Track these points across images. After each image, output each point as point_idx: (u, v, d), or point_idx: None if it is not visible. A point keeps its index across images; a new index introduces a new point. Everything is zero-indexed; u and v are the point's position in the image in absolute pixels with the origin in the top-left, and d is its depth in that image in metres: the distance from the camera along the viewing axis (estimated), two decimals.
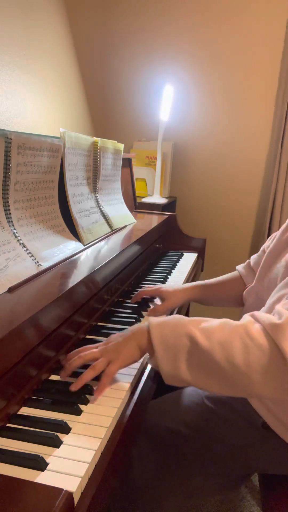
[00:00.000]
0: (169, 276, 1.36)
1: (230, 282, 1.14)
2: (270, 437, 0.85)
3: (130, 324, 0.95)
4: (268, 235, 2.09)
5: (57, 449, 0.56)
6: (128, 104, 2.29)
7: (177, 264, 1.52)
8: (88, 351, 0.71)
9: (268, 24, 2.00)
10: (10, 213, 0.85)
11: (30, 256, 0.85)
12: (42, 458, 0.53)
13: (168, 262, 1.52)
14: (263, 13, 2.00)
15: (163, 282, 1.29)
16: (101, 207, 1.29)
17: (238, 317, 0.99)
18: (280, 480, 0.91)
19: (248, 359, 0.63)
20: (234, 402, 0.91)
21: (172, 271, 1.43)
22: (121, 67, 2.25)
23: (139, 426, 0.84)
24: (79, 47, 1.90)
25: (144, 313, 1.03)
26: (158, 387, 0.81)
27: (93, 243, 1.13)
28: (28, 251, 0.85)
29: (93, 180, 1.27)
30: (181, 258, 1.62)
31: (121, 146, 1.44)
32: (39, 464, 0.52)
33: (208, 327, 0.68)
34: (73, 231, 1.08)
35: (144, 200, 2.03)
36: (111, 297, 1.05)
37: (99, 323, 0.95)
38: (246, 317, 0.71)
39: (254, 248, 2.28)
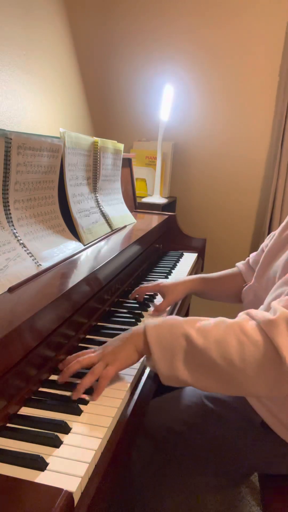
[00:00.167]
0: (169, 276, 1.36)
1: (230, 278, 1.16)
2: (269, 436, 0.85)
3: (130, 324, 0.95)
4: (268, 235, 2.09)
5: (57, 449, 0.56)
6: (128, 104, 2.29)
7: (177, 264, 1.52)
8: (86, 356, 0.71)
9: (268, 24, 2.00)
10: (10, 213, 0.85)
11: (30, 256, 0.85)
12: (42, 458, 0.53)
13: (168, 262, 1.52)
14: (263, 13, 2.00)
15: None
16: (101, 207, 1.29)
17: (237, 314, 0.99)
18: (280, 480, 0.91)
19: (243, 355, 0.63)
20: (233, 401, 0.91)
21: (172, 271, 1.43)
22: (121, 67, 2.25)
23: (139, 426, 0.84)
24: (79, 47, 1.90)
25: (144, 313, 1.03)
26: (158, 387, 0.81)
27: (93, 243, 1.13)
28: (28, 251, 0.85)
29: (93, 180, 1.27)
30: (181, 258, 1.62)
31: (121, 146, 1.44)
32: (39, 464, 0.52)
33: (204, 326, 0.69)
34: (73, 231, 1.08)
35: (144, 200, 2.03)
36: (111, 297, 1.05)
37: (99, 323, 0.95)
38: (241, 315, 0.71)
39: (254, 248, 2.28)
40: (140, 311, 1.03)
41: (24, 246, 0.85)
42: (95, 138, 1.25)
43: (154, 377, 0.78)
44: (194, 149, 2.26)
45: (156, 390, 0.83)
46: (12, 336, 0.58)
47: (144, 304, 1.08)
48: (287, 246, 0.89)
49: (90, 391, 0.68)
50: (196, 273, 1.56)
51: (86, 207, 1.19)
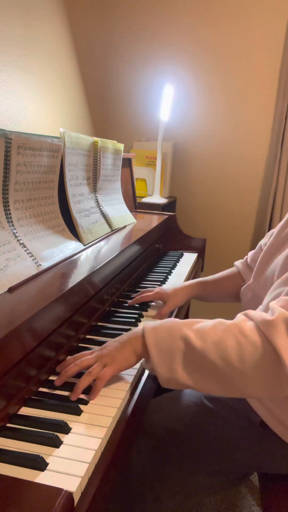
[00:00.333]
0: (169, 276, 1.36)
1: (229, 278, 1.16)
2: (268, 436, 0.85)
3: (130, 324, 0.95)
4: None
5: (57, 449, 0.56)
6: (128, 104, 2.29)
7: (177, 264, 1.52)
8: (83, 358, 0.71)
9: (268, 24, 2.00)
10: (10, 213, 0.85)
11: (30, 256, 0.85)
12: (42, 458, 0.53)
13: (168, 262, 1.52)
14: (263, 13, 2.00)
15: (163, 282, 1.29)
16: (101, 207, 1.29)
17: (236, 314, 0.99)
18: (279, 479, 0.91)
19: (242, 356, 0.63)
20: (232, 401, 0.91)
21: (172, 271, 1.43)
22: (121, 67, 2.25)
23: (139, 425, 0.84)
24: (79, 47, 1.90)
25: (144, 313, 1.03)
26: (158, 387, 0.81)
27: (93, 243, 1.13)
28: (28, 251, 0.85)
29: (93, 180, 1.27)
30: (181, 258, 1.62)
31: (121, 146, 1.44)
32: (39, 464, 0.52)
33: (202, 328, 0.69)
34: (73, 231, 1.08)
35: (144, 200, 2.03)
36: (111, 297, 1.05)
37: (99, 323, 0.95)
38: (239, 316, 0.71)
39: (255, 248, 2.28)
40: (140, 311, 1.03)
41: (24, 246, 0.85)
42: (95, 138, 1.25)
43: (154, 377, 0.78)
44: (194, 149, 2.26)
45: (156, 390, 0.83)
46: (12, 336, 0.58)
47: (144, 304, 1.07)
48: (286, 245, 0.88)
49: (87, 390, 0.68)
50: (196, 273, 1.56)
51: (86, 207, 1.19)
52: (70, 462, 0.53)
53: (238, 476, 1.11)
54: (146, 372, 0.78)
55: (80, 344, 0.85)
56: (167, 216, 1.74)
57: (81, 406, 0.65)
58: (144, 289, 1.12)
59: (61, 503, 0.45)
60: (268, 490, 0.90)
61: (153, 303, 1.10)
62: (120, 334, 0.88)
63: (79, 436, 0.59)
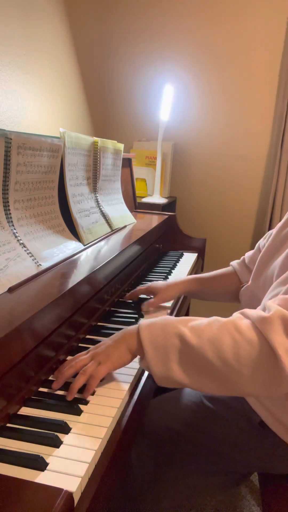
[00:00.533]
0: (169, 276, 1.36)
1: (224, 277, 1.15)
2: (267, 435, 0.85)
3: (130, 324, 0.95)
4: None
5: (57, 449, 0.56)
6: (128, 104, 2.29)
7: (177, 264, 1.52)
8: (79, 359, 0.71)
9: (268, 24, 2.00)
10: (10, 213, 0.85)
11: (30, 256, 0.85)
12: (42, 458, 0.53)
13: (168, 262, 1.52)
14: (263, 13, 2.00)
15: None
16: (101, 207, 1.29)
17: (234, 308, 0.98)
18: (279, 479, 0.91)
19: (238, 354, 0.63)
20: (232, 401, 0.91)
21: (172, 271, 1.43)
22: (121, 67, 2.25)
23: (139, 425, 0.84)
24: (79, 47, 1.90)
25: (144, 313, 1.03)
26: (157, 387, 0.81)
27: (93, 243, 1.13)
28: (28, 251, 0.85)
29: (93, 180, 1.27)
30: (181, 258, 1.62)
31: (121, 146, 1.44)
32: (39, 464, 0.52)
33: (198, 325, 0.68)
34: (73, 231, 1.08)
35: (144, 200, 2.03)
36: (111, 297, 1.05)
37: (99, 323, 0.95)
38: (236, 314, 0.71)
39: (254, 248, 2.28)
40: (140, 311, 1.03)
41: (24, 246, 0.85)
42: (95, 138, 1.25)
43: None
44: (194, 149, 2.26)
45: (156, 390, 0.83)
46: (12, 336, 0.58)
47: (143, 301, 1.07)
48: (284, 245, 0.88)
49: (83, 389, 0.68)
50: (196, 273, 1.56)
51: (86, 207, 1.19)
52: (70, 462, 0.53)
53: (238, 476, 1.11)
54: (146, 372, 0.78)
55: (80, 344, 0.85)
56: (167, 216, 1.74)
57: (81, 406, 0.65)
58: (140, 285, 1.13)
59: (61, 503, 0.45)
60: (268, 490, 0.90)
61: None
62: None
63: (79, 436, 0.59)
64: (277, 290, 0.76)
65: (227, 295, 1.14)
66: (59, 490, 0.46)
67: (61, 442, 0.57)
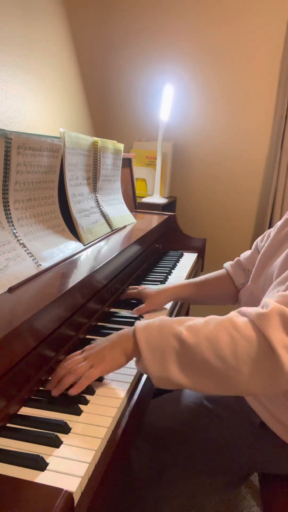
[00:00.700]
0: (169, 276, 1.36)
1: (217, 280, 1.13)
2: (268, 436, 0.85)
3: (130, 324, 0.95)
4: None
5: (57, 449, 0.56)
6: (128, 104, 2.29)
7: (177, 264, 1.52)
8: (74, 359, 0.70)
9: (268, 24, 2.00)
10: (10, 213, 0.85)
11: (30, 256, 0.85)
12: (42, 458, 0.53)
13: (168, 262, 1.52)
14: (263, 13, 2.00)
15: (163, 282, 1.29)
16: (101, 207, 1.29)
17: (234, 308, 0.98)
18: (279, 479, 0.91)
19: (236, 351, 0.62)
20: (232, 402, 0.91)
21: (172, 271, 1.43)
22: (121, 67, 2.25)
23: (139, 426, 0.84)
24: (79, 47, 1.90)
25: (143, 314, 1.03)
26: (157, 387, 0.81)
27: (93, 243, 1.13)
28: (28, 251, 0.85)
29: (93, 180, 1.27)
30: (181, 258, 1.62)
31: (121, 146, 1.44)
32: (39, 464, 0.52)
33: (194, 324, 0.67)
34: (73, 231, 1.08)
35: (144, 200, 2.03)
36: (111, 297, 1.05)
37: (99, 323, 0.95)
38: (232, 312, 0.70)
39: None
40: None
41: (24, 246, 0.85)
42: (95, 138, 1.25)
43: None
44: (194, 149, 2.26)
45: (155, 391, 0.83)
46: (12, 336, 0.58)
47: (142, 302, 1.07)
48: (283, 246, 0.88)
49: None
50: (196, 273, 1.56)
51: (86, 207, 1.19)
52: (70, 462, 0.53)
53: (238, 477, 1.11)
54: None
55: (80, 345, 0.85)
56: (167, 216, 1.74)
57: (81, 406, 0.65)
58: (133, 286, 1.13)
59: (61, 503, 0.45)
60: (268, 490, 0.90)
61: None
62: None
63: (79, 436, 0.59)
64: (277, 290, 0.76)
65: (221, 298, 1.13)
66: (59, 490, 0.46)
67: (61, 442, 0.57)
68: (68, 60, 1.83)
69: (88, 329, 0.90)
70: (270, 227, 2.14)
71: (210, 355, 0.63)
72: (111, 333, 0.89)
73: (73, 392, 0.65)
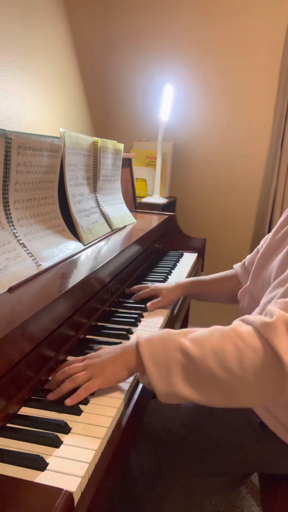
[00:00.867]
0: (169, 276, 1.36)
1: (225, 279, 1.17)
2: (267, 436, 0.85)
3: (130, 324, 0.95)
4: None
5: (57, 449, 0.56)
6: (128, 104, 2.29)
7: (177, 264, 1.52)
8: (72, 366, 0.69)
9: (268, 25, 2.00)
10: (10, 213, 0.85)
11: (30, 256, 0.85)
12: (42, 458, 0.53)
13: (168, 262, 1.52)
14: (263, 14, 2.00)
15: (163, 282, 1.29)
16: (101, 207, 1.29)
17: (236, 314, 0.98)
18: (279, 479, 0.91)
19: (242, 362, 0.61)
20: None
21: (172, 271, 1.43)
22: (121, 67, 2.25)
23: (138, 426, 0.84)
24: (79, 47, 1.90)
25: (144, 313, 1.03)
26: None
27: (93, 243, 1.13)
28: (28, 251, 0.85)
29: (93, 180, 1.27)
30: (181, 258, 1.62)
31: (121, 146, 1.44)
32: (39, 464, 0.52)
33: (198, 336, 0.66)
34: (73, 231, 1.08)
35: (144, 200, 2.03)
36: (111, 297, 1.05)
37: (99, 323, 0.95)
38: (236, 321, 0.70)
39: (255, 248, 2.28)
40: (140, 311, 1.03)
41: (24, 246, 0.85)
42: (95, 138, 1.25)
43: None
44: (194, 149, 2.26)
45: None
46: (12, 336, 0.58)
47: (144, 304, 1.07)
48: (281, 247, 0.88)
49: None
50: (196, 273, 1.56)
51: (86, 207, 1.19)
52: (70, 462, 0.53)
53: (238, 477, 1.11)
54: None
55: (80, 344, 0.85)
56: (167, 216, 1.74)
57: (81, 406, 0.65)
58: (141, 285, 1.14)
59: (61, 503, 0.45)
60: (268, 490, 0.90)
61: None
62: (120, 334, 0.89)
63: (79, 436, 0.59)
64: (275, 292, 0.76)
65: (228, 297, 1.15)
66: (59, 490, 0.46)
67: (61, 442, 0.57)
68: (68, 60, 1.83)
69: (88, 329, 0.90)
70: (270, 227, 2.14)
71: (216, 367, 0.62)
72: (111, 333, 0.90)
73: (69, 402, 0.64)
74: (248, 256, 1.15)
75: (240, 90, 2.12)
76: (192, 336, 0.67)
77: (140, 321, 0.98)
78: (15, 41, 1.43)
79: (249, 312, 0.90)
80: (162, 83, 2.02)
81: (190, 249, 1.74)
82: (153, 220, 1.63)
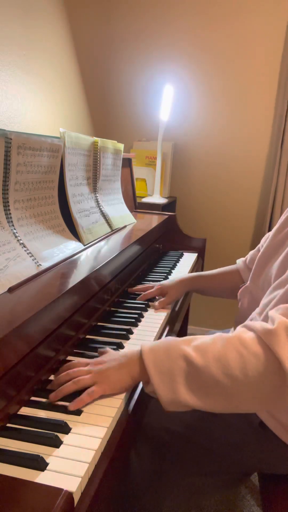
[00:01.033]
0: (169, 276, 1.36)
1: (228, 274, 1.19)
2: (267, 436, 0.85)
3: (131, 324, 0.95)
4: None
5: (57, 449, 0.56)
6: (128, 104, 2.29)
7: (177, 264, 1.52)
8: (76, 369, 0.69)
9: (268, 24, 2.00)
10: (10, 213, 0.85)
11: (30, 256, 0.85)
12: (42, 458, 0.53)
13: (168, 262, 1.52)
14: (263, 13, 2.00)
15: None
16: (101, 207, 1.29)
17: (235, 314, 0.98)
18: (279, 479, 0.91)
19: (245, 368, 0.62)
20: None
21: (172, 271, 1.43)
22: (121, 67, 2.25)
23: (139, 426, 0.84)
24: (79, 47, 1.90)
25: (144, 313, 1.03)
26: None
27: (93, 243, 1.13)
28: (28, 251, 0.85)
29: (93, 180, 1.27)
30: (181, 258, 1.62)
31: (121, 146, 1.44)
32: (39, 464, 0.52)
33: (201, 344, 0.67)
34: (73, 231, 1.08)
35: (144, 200, 2.03)
36: (111, 297, 1.05)
37: (99, 323, 0.95)
38: (239, 328, 0.70)
39: (254, 248, 2.28)
40: (140, 311, 1.03)
41: (24, 246, 0.85)
42: (95, 138, 1.25)
43: None
44: (194, 149, 2.26)
45: None
46: (12, 336, 0.58)
47: (144, 304, 1.08)
48: (282, 247, 0.88)
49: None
50: None
51: (86, 207, 1.19)
52: (70, 462, 0.53)
53: (238, 477, 1.11)
54: None
55: (80, 344, 0.85)
56: (167, 216, 1.74)
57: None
58: (146, 284, 1.16)
59: (61, 503, 0.45)
60: (268, 490, 0.90)
61: (154, 301, 1.11)
62: (120, 334, 0.89)
63: (79, 436, 0.59)
64: (275, 293, 0.76)
65: (230, 292, 1.17)
66: (59, 490, 0.46)
67: (61, 442, 0.57)
68: (68, 60, 1.83)
69: (88, 329, 0.90)
70: (270, 227, 2.15)
71: (219, 375, 0.63)
72: (111, 333, 0.90)
73: (72, 407, 0.64)
74: (250, 253, 1.15)
75: (240, 90, 2.12)
76: (195, 344, 0.67)
77: (140, 321, 0.98)
78: (15, 41, 1.43)
79: (249, 311, 0.90)
80: (162, 83, 2.02)
81: (190, 249, 1.74)
82: (153, 220, 1.63)
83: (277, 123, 2.07)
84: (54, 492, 0.46)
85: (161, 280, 1.29)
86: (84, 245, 1.08)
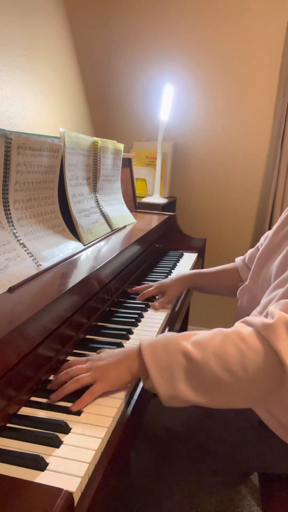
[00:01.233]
0: (169, 277, 1.36)
1: (227, 272, 1.19)
2: (267, 436, 0.85)
3: (131, 324, 0.95)
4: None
5: (57, 449, 0.56)
6: (128, 104, 2.29)
7: (177, 264, 1.52)
8: (75, 368, 0.69)
9: (268, 24, 2.00)
10: (10, 213, 0.85)
11: (30, 256, 0.85)
12: (42, 458, 0.53)
13: (168, 262, 1.52)
14: (263, 13, 2.00)
15: None
16: (101, 207, 1.29)
17: (235, 313, 0.98)
18: (279, 479, 0.91)
19: (244, 363, 0.62)
20: None
21: (172, 271, 1.43)
22: (121, 67, 2.25)
23: (139, 426, 0.84)
24: (79, 47, 1.90)
25: (144, 313, 1.03)
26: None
27: (93, 243, 1.13)
28: (28, 251, 0.85)
29: (93, 180, 1.27)
30: (181, 258, 1.62)
31: (121, 146, 1.44)
32: (39, 464, 0.52)
33: (200, 339, 0.67)
34: (73, 231, 1.08)
35: (144, 200, 2.03)
36: (111, 297, 1.05)
37: (99, 323, 0.95)
38: (238, 324, 0.70)
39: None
40: (140, 311, 1.03)
41: (24, 246, 0.85)
42: (95, 138, 1.25)
43: None
44: (194, 149, 2.26)
45: None
46: (12, 336, 0.58)
47: (144, 304, 1.08)
48: (282, 246, 0.88)
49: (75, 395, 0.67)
50: None
51: (86, 207, 1.19)
52: (70, 462, 0.53)
53: (238, 476, 1.11)
54: None
55: (80, 344, 0.85)
56: (167, 216, 1.74)
57: None
58: (144, 285, 1.15)
59: (61, 503, 0.45)
60: (268, 490, 0.90)
61: (154, 300, 1.12)
62: (120, 334, 0.89)
63: (79, 436, 0.59)
64: (276, 292, 0.76)
65: (229, 290, 1.17)
66: (59, 490, 0.46)
67: (61, 442, 0.57)
68: (68, 60, 1.83)
69: (88, 329, 0.90)
70: (270, 227, 2.14)
71: (218, 370, 0.63)
72: (111, 333, 0.90)
73: (74, 408, 0.64)
74: (249, 252, 1.15)
75: (240, 90, 2.12)
76: (194, 339, 0.67)
77: (140, 321, 0.98)
78: (15, 41, 1.43)
79: (249, 310, 0.90)
80: (162, 83, 2.02)
81: (190, 249, 1.74)
82: (153, 220, 1.63)
83: (277, 123, 2.07)
84: (54, 492, 0.46)
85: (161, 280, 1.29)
86: (84, 245, 1.08)
